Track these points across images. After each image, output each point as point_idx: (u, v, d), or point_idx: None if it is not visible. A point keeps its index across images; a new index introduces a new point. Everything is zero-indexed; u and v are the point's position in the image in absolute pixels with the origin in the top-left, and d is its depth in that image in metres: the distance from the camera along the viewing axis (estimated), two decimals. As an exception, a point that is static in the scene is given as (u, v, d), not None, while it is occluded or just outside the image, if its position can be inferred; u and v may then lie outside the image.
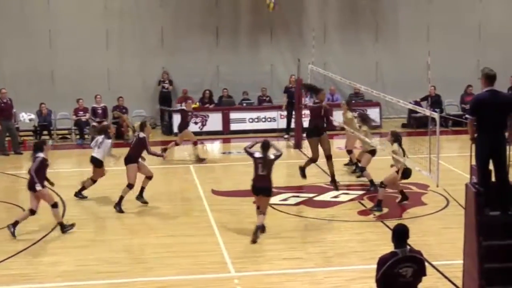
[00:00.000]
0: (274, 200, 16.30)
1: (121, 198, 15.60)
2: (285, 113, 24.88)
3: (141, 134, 15.98)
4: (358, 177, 18.14)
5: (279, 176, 18.97)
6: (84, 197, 16.62)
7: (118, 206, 15.57)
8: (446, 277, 11.42)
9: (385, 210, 15.38)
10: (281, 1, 26.74)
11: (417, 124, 25.09)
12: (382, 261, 7.89)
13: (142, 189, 16.05)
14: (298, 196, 16.79)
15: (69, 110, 25.38)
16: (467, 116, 10.33)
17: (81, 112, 24.99)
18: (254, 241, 13.32)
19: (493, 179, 9.88)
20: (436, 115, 13.72)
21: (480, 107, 9.86)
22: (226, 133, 25.26)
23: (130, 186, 15.66)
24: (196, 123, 25.02)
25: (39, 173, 13.71)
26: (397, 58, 27.12)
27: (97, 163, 16.61)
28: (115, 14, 26.54)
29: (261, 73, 26.92)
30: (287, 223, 14.76)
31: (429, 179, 14.75)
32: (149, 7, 26.76)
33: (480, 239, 9.55)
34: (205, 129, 25.03)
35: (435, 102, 25.46)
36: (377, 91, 18.19)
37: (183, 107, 21.17)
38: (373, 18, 27.27)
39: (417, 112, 21.42)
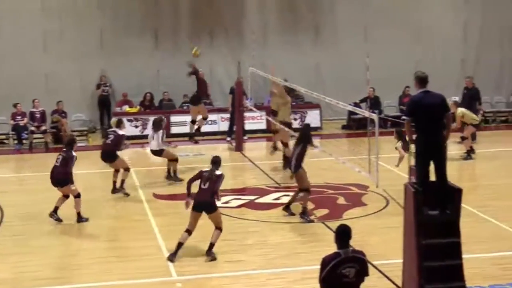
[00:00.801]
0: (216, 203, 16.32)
1: (123, 182, 17.14)
2: (226, 115, 24.85)
3: (119, 131, 17.23)
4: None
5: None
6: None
7: (119, 191, 16.93)
8: (386, 276, 11.54)
9: (325, 211, 15.47)
10: (221, 4, 26.79)
11: (356, 126, 25.35)
12: (325, 262, 7.92)
13: (115, 183, 17.13)
14: (239, 199, 16.77)
15: (7, 115, 24.93)
16: (404, 117, 10.49)
17: (19, 117, 24.56)
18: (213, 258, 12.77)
19: (431, 178, 10.02)
20: (375, 116, 13.85)
21: (416, 108, 10.05)
22: (167, 136, 25.03)
23: (127, 169, 17.28)
24: (136, 126, 24.82)
25: None
26: (336, 59, 27.30)
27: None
28: (53, 15, 26.12)
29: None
30: (228, 225, 14.66)
31: (369, 180, 14.90)
32: (87, 8, 26.43)
33: (419, 238, 9.64)
34: (146, 132, 24.79)
35: (374, 103, 25.73)
36: (317, 93, 18.29)
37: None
38: (312, 20, 27.43)
39: (356, 114, 21.63)
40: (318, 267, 7.96)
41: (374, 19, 27.37)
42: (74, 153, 14.93)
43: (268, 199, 16.74)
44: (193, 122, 21.16)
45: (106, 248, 13.39)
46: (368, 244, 12.73)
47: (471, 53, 28.14)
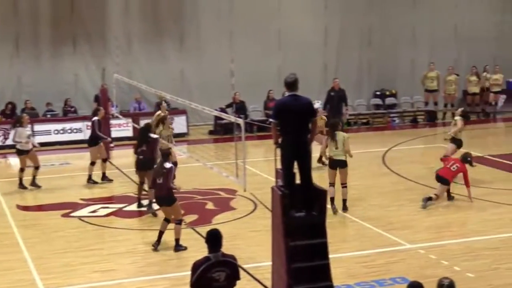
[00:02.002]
0: (83, 212, 16.10)
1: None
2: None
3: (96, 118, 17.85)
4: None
5: (87, 187, 18.69)
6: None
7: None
8: (256, 279, 11.69)
9: (194, 217, 15.51)
10: (83, 10, 26.34)
11: (223, 131, 25.51)
12: (196, 266, 7.96)
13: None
14: (107, 207, 16.55)
15: None
16: (270, 120, 10.63)
17: None
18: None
19: (297, 181, 10.22)
20: (241, 121, 14.00)
21: (282, 111, 10.20)
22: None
23: (105, 160, 18.07)
24: (-4, 137, 24.13)
25: None
26: (201, 66, 27.40)
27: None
28: None
29: (65, 84, 26.28)
30: (97, 234, 14.57)
31: (237, 184, 15.05)
32: None
33: (287, 240, 9.80)
34: (8, 142, 24.02)
35: (240, 108, 25.99)
36: (182, 99, 18.31)
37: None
38: (176, 27, 27.40)
39: (222, 119, 21.80)
40: (189, 272, 7.99)
41: (237, 26, 27.64)
42: None
43: (136, 206, 16.47)
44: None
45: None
46: (238, 248, 12.85)
47: (332, 57, 28.91)
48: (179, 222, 13.46)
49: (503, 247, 13.24)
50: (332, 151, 15.71)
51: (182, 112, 25.92)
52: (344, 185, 15.74)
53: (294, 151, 10.12)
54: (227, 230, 14.08)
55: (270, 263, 10.64)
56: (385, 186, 17.99)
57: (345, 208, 15.73)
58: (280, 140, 10.26)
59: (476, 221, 14.94)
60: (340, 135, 15.68)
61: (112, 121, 23.45)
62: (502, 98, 28.97)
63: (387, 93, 29.17)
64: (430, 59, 28.31)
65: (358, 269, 12.27)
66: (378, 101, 29.03)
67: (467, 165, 16.18)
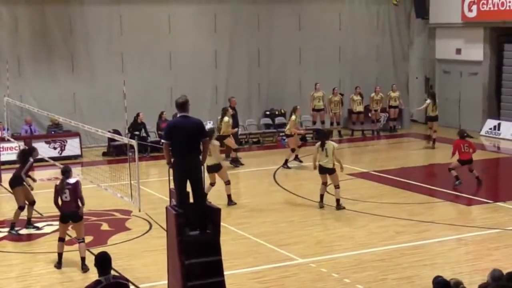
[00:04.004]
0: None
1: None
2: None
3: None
4: None
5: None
6: None
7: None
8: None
9: (90, 238, 15.52)
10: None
11: (116, 152, 25.48)
12: (87, 291, 8.03)
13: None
14: None
15: None
16: (162, 141, 10.90)
17: None
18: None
19: (191, 200, 10.50)
20: (134, 142, 14.21)
21: (173, 131, 10.49)
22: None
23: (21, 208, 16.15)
24: None
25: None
26: (93, 88, 27.24)
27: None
28: None
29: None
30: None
31: (132, 205, 15.18)
32: None
33: (182, 258, 10.03)
34: None
35: (135, 129, 25.89)
36: (75, 121, 18.32)
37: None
38: (67, 50, 27.17)
39: (116, 140, 21.87)
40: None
41: (128, 47, 27.69)
42: None
43: (30, 230, 16.42)
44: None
45: None
46: (134, 268, 13.02)
47: (222, 78, 29.33)
48: (82, 240, 13.62)
49: (388, 258, 13.90)
50: (322, 159, 17.31)
51: (75, 134, 25.78)
52: (337, 186, 17.47)
53: (186, 171, 10.37)
54: (123, 250, 14.29)
55: (166, 282, 10.84)
56: (276, 203, 18.48)
57: (338, 208, 17.34)
58: (172, 160, 10.52)
59: (364, 234, 15.57)
60: (330, 145, 17.24)
61: (3, 144, 23.14)
62: (384, 116, 30.20)
63: (276, 112, 29.82)
64: (316, 79, 29.08)
65: (252, 284, 12.60)
66: (268, 120, 29.63)
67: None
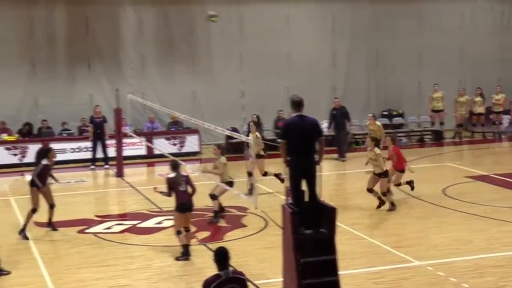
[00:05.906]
0: (97, 228, 16.43)
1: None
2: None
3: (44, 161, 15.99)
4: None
5: (102, 204, 19.09)
6: None
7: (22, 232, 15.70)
8: (267, 294, 11.98)
9: (207, 233, 15.83)
10: (97, 32, 26.85)
11: (234, 149, 25.79)
12: (206, 284, 8.16)
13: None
14: (122, 224, 16.90)
15: None
16: (279, 140, 10.99)
17: None
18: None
19: (306, 198, 10.53)
20: (251, 140, 14.35)
21: (289, 131, 10.57)
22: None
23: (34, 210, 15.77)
24: (15, 155, 24.52)
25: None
26: (212, 87, 27.85)
27: None
28: None
29: (80, 104, 26.71)
30: (112, 251, 14.79)
31: (248, 202, 15.36)
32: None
33: (297, 257, 10.07)
34: (26, 160, 24.49)
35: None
36: (195, 119, 18.72)
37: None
38: (189, 51, 27.88)
39: (234, 138, 22.19)
40: (201, 289, 8.22)
41: (247, 48, 28.08)
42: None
43: (150, 223, 16.92)
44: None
45: None
46: (249, 264, 13.15)
47: (340, 79, 29.31)
48: (189, 229, 14.10)
49: (508, 264, 13.49)
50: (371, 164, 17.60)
51: (195, 131, 26.36)
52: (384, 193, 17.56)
53: (301, 170, 10.45)
54: (239, 247, 14.45)
55: (281, 279, 10.93)
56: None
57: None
58: (288, 158, 10.59)
59: (483, 239, 15.13)
60: (377, 150, 17.47)
61: (126, 140, 23.91)
62: (506, 118, 29.40)
63: (394, 113, 29.53)
64: (435, 80, 28.61)
65: (369, 285, 12.48)
66: (385, 120, 29.37)
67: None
